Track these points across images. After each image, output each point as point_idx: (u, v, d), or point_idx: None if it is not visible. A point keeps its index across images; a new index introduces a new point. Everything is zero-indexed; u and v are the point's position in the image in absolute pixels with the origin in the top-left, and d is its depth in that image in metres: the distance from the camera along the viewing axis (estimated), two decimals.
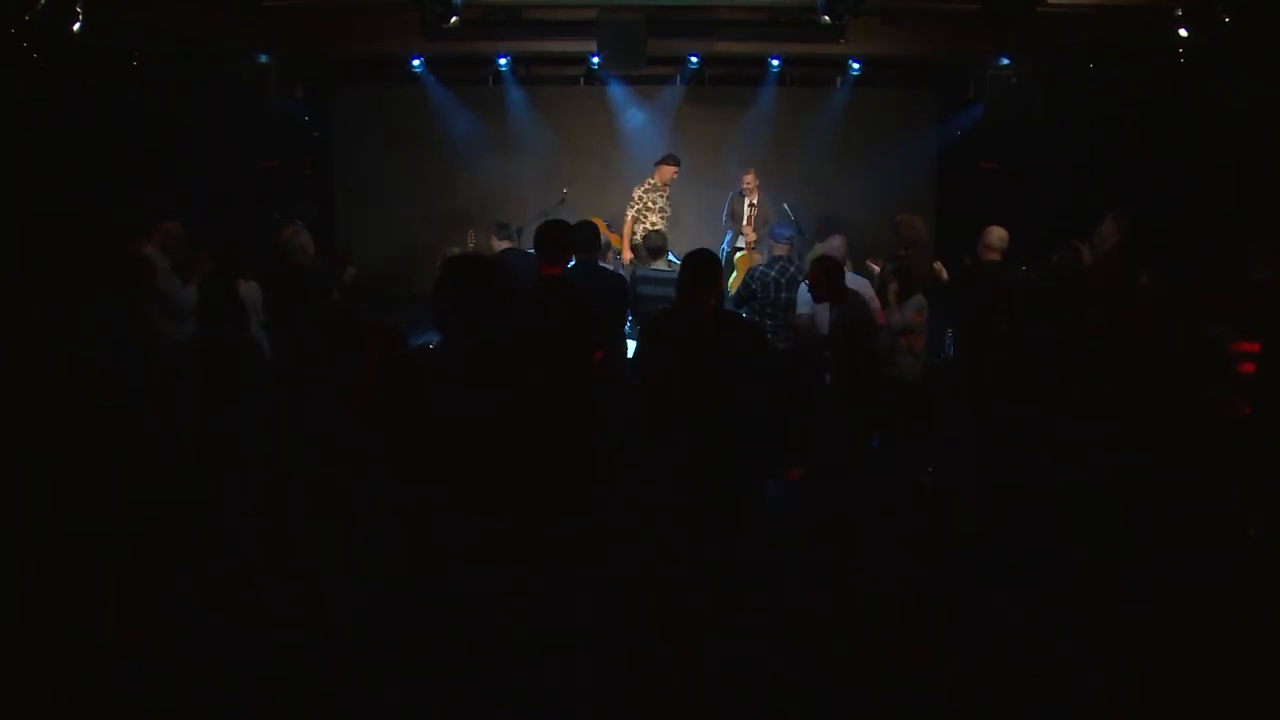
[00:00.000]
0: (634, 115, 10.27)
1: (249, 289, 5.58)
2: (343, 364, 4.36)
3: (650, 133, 10.20)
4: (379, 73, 10.21)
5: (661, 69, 9.80)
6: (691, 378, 3.80)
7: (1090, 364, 4.46)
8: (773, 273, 6.22)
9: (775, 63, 9.50)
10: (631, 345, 6.42)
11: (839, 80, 9.95)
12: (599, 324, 4.97)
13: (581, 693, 3.07)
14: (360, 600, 3.04)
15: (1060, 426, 4.26)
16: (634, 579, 3.53)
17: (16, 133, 6.14)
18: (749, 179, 8.63)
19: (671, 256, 6.41)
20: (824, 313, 5.51)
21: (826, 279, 5.30)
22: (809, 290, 5.56)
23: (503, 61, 9.43)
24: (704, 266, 4.02)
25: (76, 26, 5.66)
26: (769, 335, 6.07)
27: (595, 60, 9.05)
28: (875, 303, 6.01)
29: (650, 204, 8.42)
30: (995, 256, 6.36)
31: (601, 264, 6.28)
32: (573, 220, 5.67)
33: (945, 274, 6.62)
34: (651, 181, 8.46)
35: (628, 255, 8.07)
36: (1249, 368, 4.54)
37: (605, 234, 8.71)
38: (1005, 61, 8.59)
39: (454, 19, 7.20)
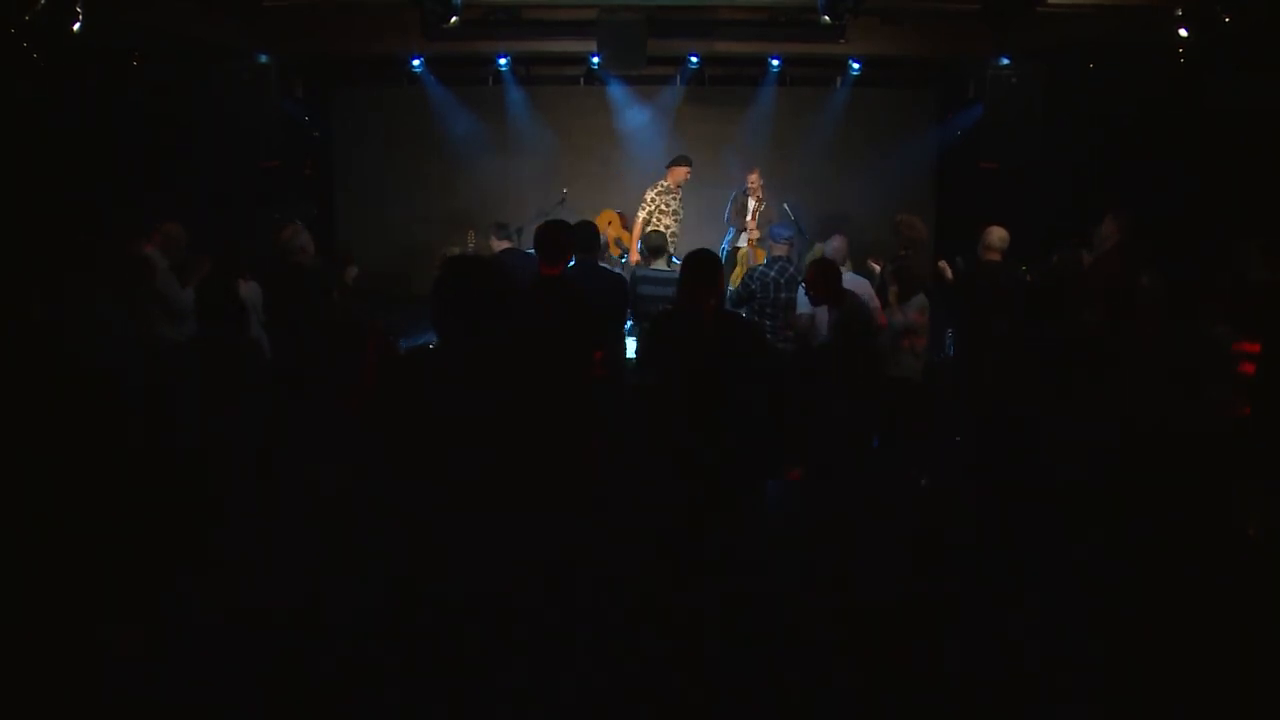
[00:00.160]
0: (634, 115, 10.27)
1: (249, 289, 5.58)
2: (343, 364, 4.36)
3: (650, 133, 10.20)
4: (379, 73, 10.21)
5: (661, 69, 9.79)
6: (691, 378, 3.80)
7: (1090, 364, 4.46)
8: (772, 273, 6.22)
9: (775, 63, 9.49)
10: (631, 345, 6.44)
11: (839, 80, 9.95)
12: (599, 324, 4.97)
13: (581, 693, 3.07)
14: (360, 600, 3.04)
15: (1060, 426, 4.26)
16: (634, 579, 3.53)
17: (16, 133, 6.14)
18: (754, 179, 8.63)
19: (674, 259, 6.41)
20: (824, 313, 5.52)
21: (824, 281, 5.30)
22: (806, 292, 5.56)
23: (503, 61, 9.42)
24: (704, 266, 4.02)
25: (76, 26, 5.66)
26: (769, 335, 6.06)
27: (595, 60, 9.04)
28: (875, 303, 6.01)
29: (664, 206, 8.40)
30: (995, 256, 6.36)
31: (601, 264, 6.29)
32: (573, 220, 5.68)
33: (950, 273, 6.62)
34: (664, 184, 8.43)
35: (635, 257, 8.05)
36: (1249, 368, 4.54)
37: (620, 230, 8.72)
38: (1005, 61, 8.59)
39: (454, 19, 7.20)
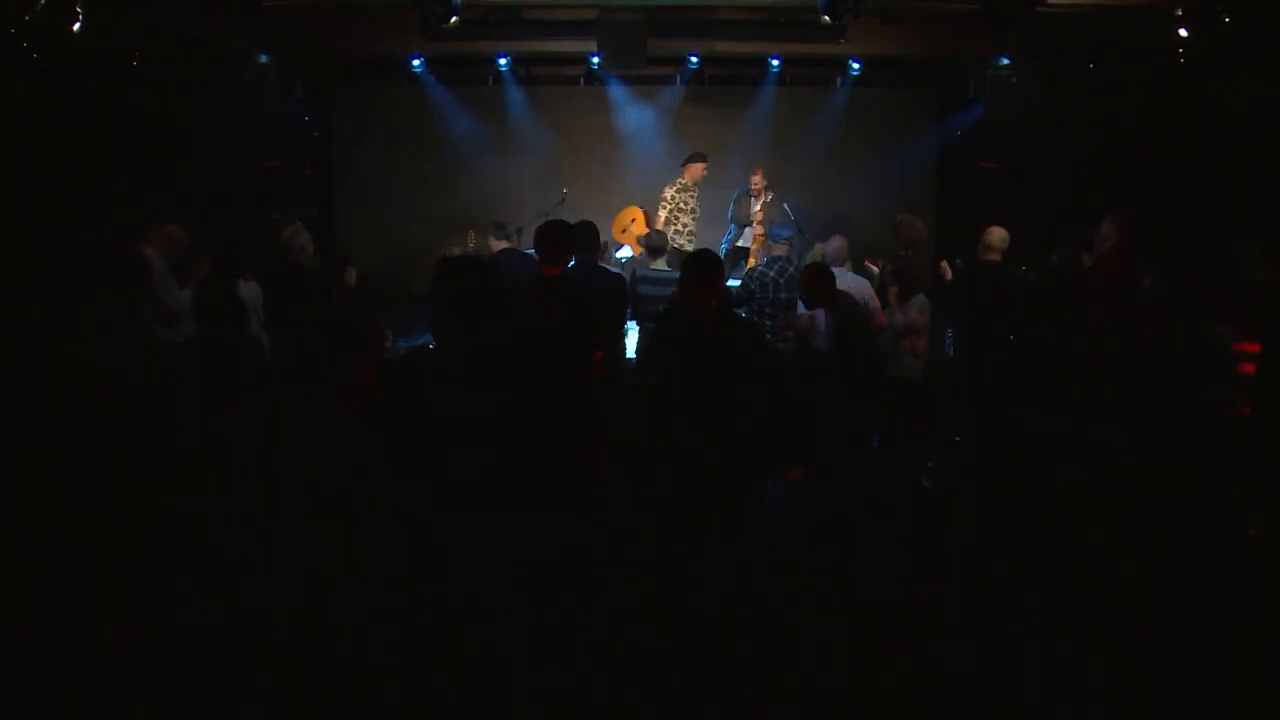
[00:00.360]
0: (634, 115, 10.26)
1: (249, 289, 5.58)
2: (343, 364, 4.37)
3: (650, 133, 10.20)
4: (379, 73, 10.21)
5: (661, 69, 9.79)
6: (691, 378, 3.80)
7: (1090, 364, 4.46)
8: (771, 273, 6.22)
9: (775, 63, 9.49)
10: (630, 345, 6.44)
11: (839, 80, 9.95)
12: (599, 324, 4.96)
13: (581, 692, 3.07)
14: (360, 600, 3.04)
15: (1060, 426, 4.26)
16: (634, 579, 3.53)
17: (16, 133, 6.14)
18: (757, 179, 8.63)
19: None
20: (823, 315, 5.52)
21: (817, 284, 5.31)
22: (801, 297, 5.56)
23: (503, 61, 9.43)
24: (705, 266, 4.02)
25: (76, 26, 5.66)
26: (769, 335, 6.06)
27: (595, 60, 9.05)
28: (875, 303, 6.01)
29: (682, 204, 8.40)
30: (995, 257, 6.36)
31: (600, 264, 6.29)
32: (573, 220, 5.67)
33: (950, 273, 6.62)
34: (682, 181, 8.43)
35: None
36: (1249, 368, 4.54)
37: (645, 227, 8.66)
38: (1005, 61, 8.59)
39: (454, 19, 7.20)
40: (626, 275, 6.38)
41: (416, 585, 2.74)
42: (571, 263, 5.03)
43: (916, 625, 3.56)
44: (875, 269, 6.98)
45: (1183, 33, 6.93)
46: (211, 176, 8.21)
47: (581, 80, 10.25)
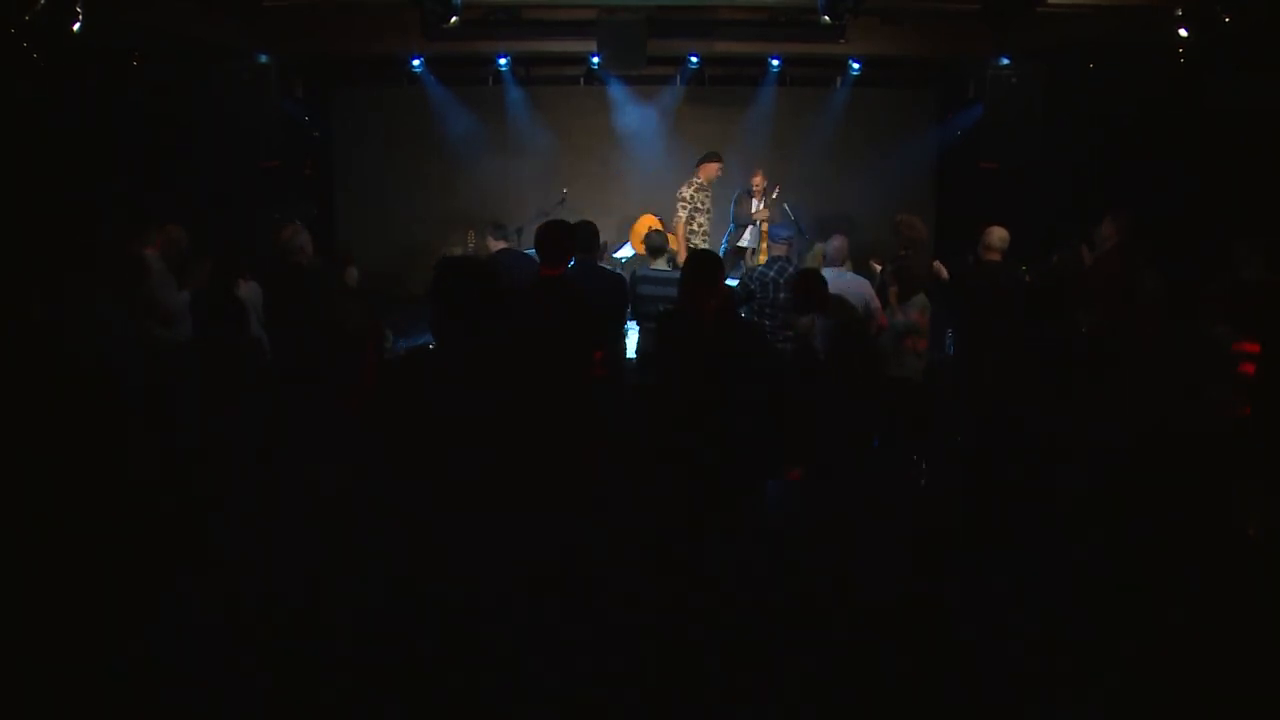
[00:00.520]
0: (634, 115, 10.26)
1: (249, 289, 5.58)
2: (343, 364, 4.36)
3: (650, 133, 10.20)
4: (379, 73, 10.22)
5: (661, 69, 9.80)
6: (692, 378, 3.80)
7: (1090, 364, 4.46)
8: (771, 273, 6.22)
9: (775, 63, 9.50)
10: (630, 345, 6.44)
11: (839, 80, 9.95)
12: (599, 324, 4.96)
13: (580, 692, 3.07)
14: (360, 600, 3.04)
15: (1060, 426, 4.26)
16: (634, 579, 3.53)
17: (16, 133, 6.14)
18: (758, 181, 8.64)
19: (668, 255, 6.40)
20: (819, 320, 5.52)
21: (808, 290, 5.32)
22: (794, 305, 5.56)
23: (503, 61, 9.43)
24: (705, 267, 4.02)
25: (76, 26, 5.66)
26: (768, 335, 6.06)
27: (595, 60, 9.05)
28: (875, 303, 6.01)
29: (699, 204, 8.38)
30: (995, 256, 6.35)
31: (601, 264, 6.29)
32: (573, 220, 5.67)
33: (945, 273, 6.62)
34: (698, 181, 8.41)
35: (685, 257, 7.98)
36: (1249, 368, 4.54)
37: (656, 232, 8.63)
38: (1005, 61, 8.60)
39: (454, 19, 7.20)
40: (626, 275, 6.38)
41: (416, 585, 2.74)
42: (571, 263, 5.03)
43: (916, 625, 3.56)
44: (877, 268, 6.98)
45: (1183, 33, 6.93)
46: (211, 176, 8.21)
47: (581, 80, 10.26)
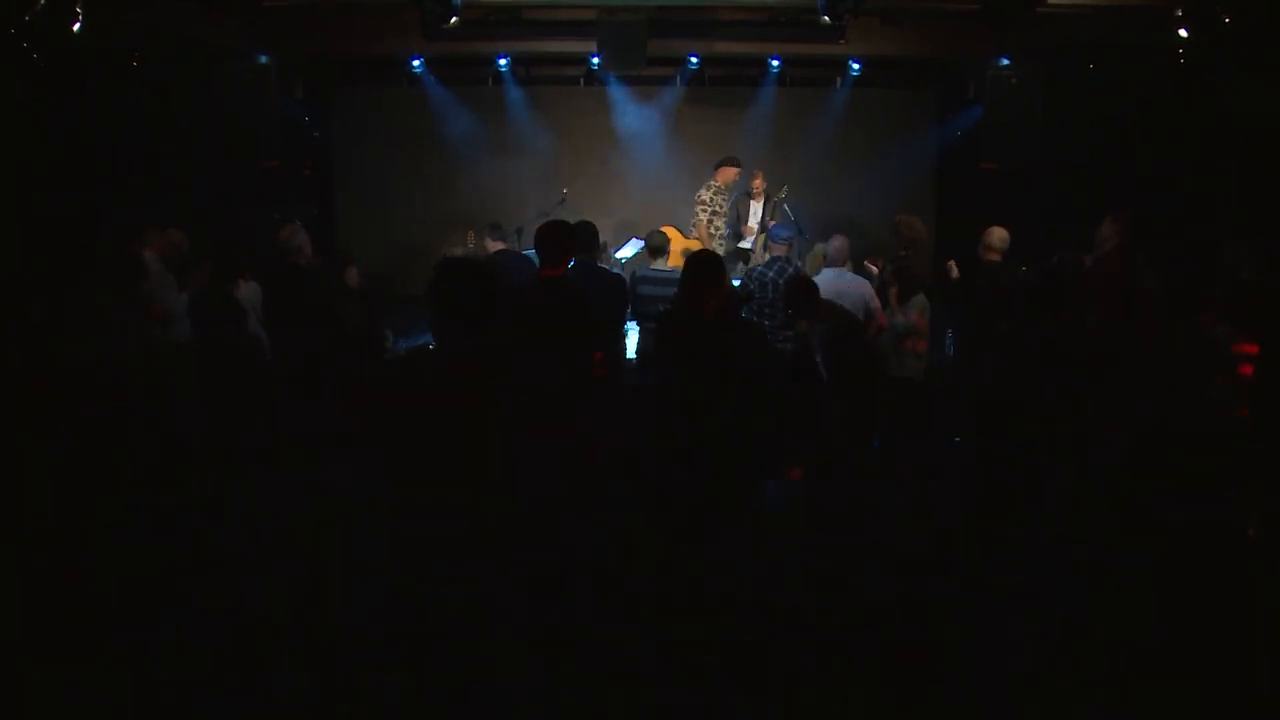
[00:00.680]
0: (634, 116, 10.26)
1: (249, 289, 5.58)
2: (343, 364, 4.36)
3: (650, 133, 10.20)
4: (379, 73, 10.21)
5: (661, 69, 9.79)
6: (692, 378, 3.80)
7: (1090, 364, 4.46)
8: (771, 273, 6.22)
9: (775, 63, 9.50)
10: (630, 345, 6.44)
11: (839, 80, 9.95)
12: (599, 324, 4.96)
13: (580, 692, 3.07)
14: (360, 600, 3.04)
15: (1060, 426, 4.26)
16: (634, 579, 3.53)
17: (16, 133, 6.14)
18: (757, 183, 8.63)
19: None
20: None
21: (799, 299, 5.33)
22: (787, 312, 5.56)
23: (503, 62, 9.43)
24: (706, 267, 4.02)
25: (76, 26, 5.66)
26: (768, 335, 6.06)
27: (595, 60, 9.04)
28: (875, 303, 6.01)
29: (717, 207, 8.35)
30: (995, 257, 6.35)
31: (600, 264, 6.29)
32: (572, 220, 5.67)
33: (956, 271, 6.60)
34: (715, 184, 8.37)
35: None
36: (1247, 370, 4.54)
37: (685, 240, 8.57)
38: (1005, 62, 8.60)
39: (454, 19, 7.20)
40: (626, 276, 6.38)
41: (415, 586, 2.74)
42: (571, 263, 5.03)
43: (916, 626, 3.56)
44: (876, 269, 6.98)
45: (1183, 33, 6.93)
46: (211, 176, 8.21)
47: (581, 80, 10.25)
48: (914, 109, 10.60)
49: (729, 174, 8.39)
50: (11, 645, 3.14)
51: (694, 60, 9.47)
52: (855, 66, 9.42)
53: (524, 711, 2.87)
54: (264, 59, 8.44)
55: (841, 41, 8.23)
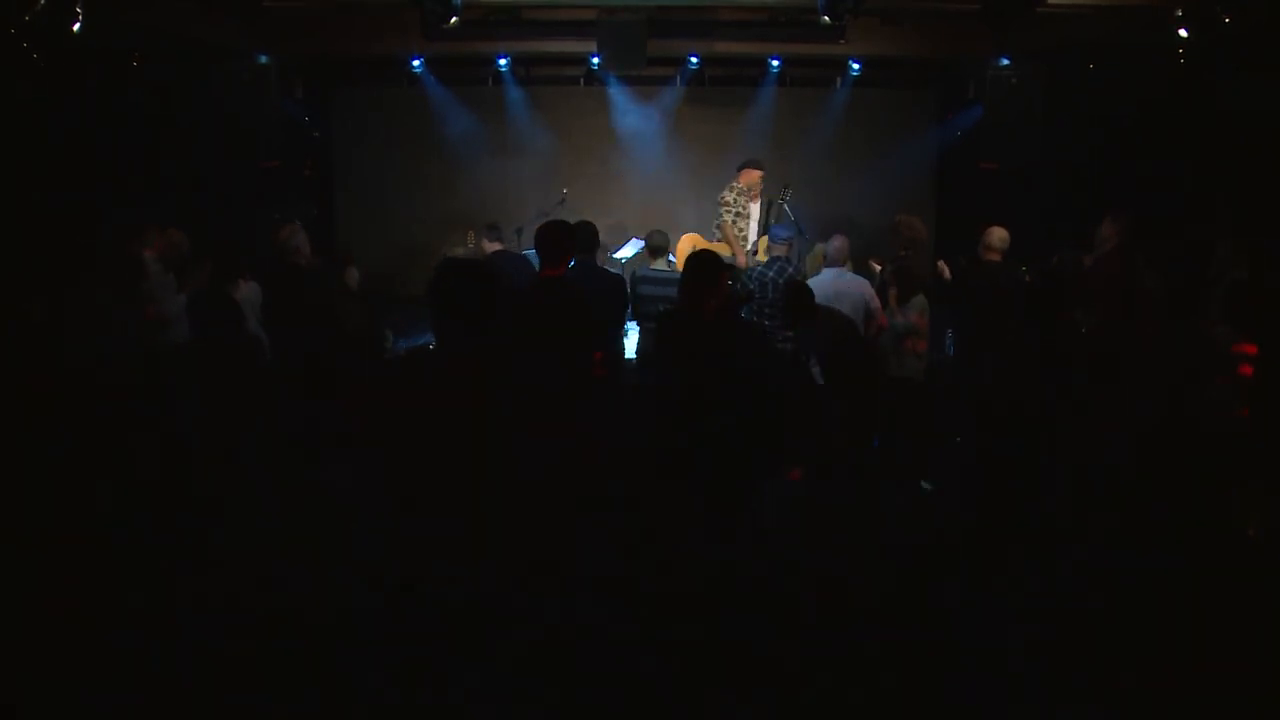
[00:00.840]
0: (634, 116, 10.26)
1: (249, 289, 5.58)
2: (343, 364, 4.36)
3: (650, 133, 10.20)
4: (379, 73, 10.21)
5: (661, 69, 9.79)
6: (692, 378, 3.81)
7: (1090, 364, 4.46)
8: (770, 273, 6.22)
9: (775, 63, 9.50)
10: (630, 345, 6.44)
11: (839, 81, 9.95)
12: (599, 324, 4.97)
13: (580, 692, 3.07)
14: (360, 600, 3.04)
15: (1060, 426, 4.26)
16: (634, 579, 3.53)
17: (16, 133, 6.14)
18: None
19: (672, 257, 6.41)
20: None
21: (794, 305, 5.33)
22: (783, 318, 5.57)
23: (503, 62, 9.43)
24: (706, 267, 4.02)
25: (76, 26, 5.66)
26: (768, 335, 6.06)
27: (595, 60, 9.05)
28: (875, 303, 6.01)
29: (741, 209, 8.31)
30: (995, 257, 6.36)
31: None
32: (572, 220, 5.68)
33: (948, 273, 6.61)
34: (738, 186, 8.28)
35: (743, 258, 7.81)
36: (1247, 370, 4.54)
37: (711, 246, 8.53)
38: (1005, 62, 8.60)
39: (454, 19, 7.20)
40: (626, 276, 6.38)
41: (416, 586, 2.74)
42: (572, 263, 5.03)
43: (916, 626, 3.56)
44: (877, 269, 6.98)
45: (1183, 33, 6.93)
46: (211, 176, 8.21)
47: (581, 80, 10.25)
48: (914, 109, 10.60)
49: (752, 176, 8.32)
50: (11, 645, 3.14)
51: (694, 60, 9.47)
52: (855, 66, 9.42)
53: (524, 712, 2.87)
54: (264, 59, 8.44)
55: (841, 41, 8.23)
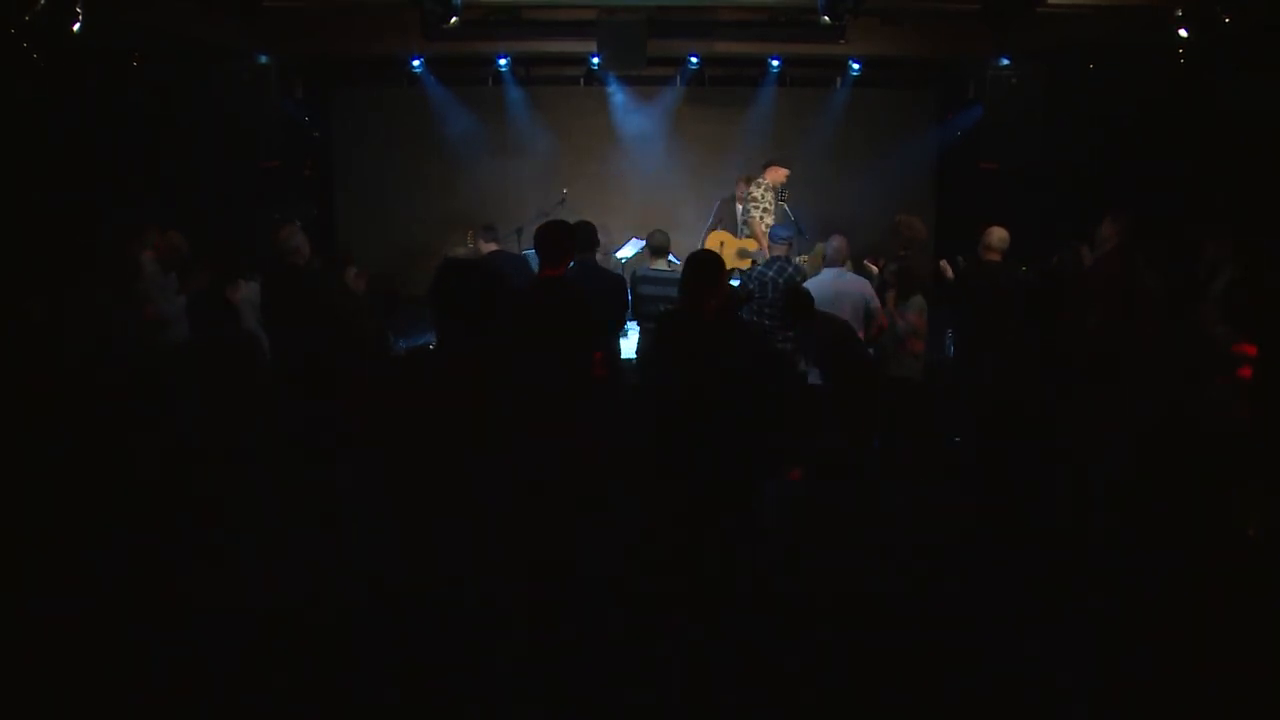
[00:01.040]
0: (634, 116, 10.27)
1: (249, 289, 5.58)
2: (343, 363, 4.36)
3: (650, 133, 10.20)
4: (379, 73, 10.22)
5: (661, 69, 9.80)
6: (692, 378, 3.80)
7: (1090, 364, 4.46)
8: (770, 273, 6.22)
9: (775, 63, 9.51)
10: (630, 345, 6.44)
11: (839, 81, 9.96)
12: (599, 324, 4.96)
13: (580, 692, 3.07)
14: (359, 600, 3.04)
15: (1060, 427, 4.26)
16: (634, 579, 3.53)
17: (16, 133, 6.14)
18: (750, 184, 8.63)
19: (673, 257, 6.40)
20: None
21: (793, 308, 5.32)
22: (782, 322, 5.57)
23: (503, 62, 9.43)
24: (706, 267, 4.02)
25: (76, 26, 5.66)
26: (768, 335, 6.06)
27: (595, 60, 9.05)
28: (875, 303, 6.01)
29: (767, 205, 8.34)
30: (995, 257, 6.35)
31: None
32: (573, 220, 5.67)
33: (950, 272, 6.61)
34: (765, 183, 8.32)
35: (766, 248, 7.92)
36: (1246, 371, 4.54)
37: (738, 241, 8.51)
38: (1005, 62, 8.60)
39: (454, 19, 7.20)
40: (626, 276, 6.38)
41: (416, 586, 2.74)
42: (572, 263, 5.03)
43: (916, 626, 3.56)
44: (876, 269, 6.98)
45: (1183, 33, 6.93)
46: (211, 177, 8.21)
47: (581, 80, 10.26)
48: (914, 109, 10.61)
49: (778, 174, 8.38)
50: (11, 645, 3.14)
51: (694, 60, 9.48)
52: (855, 66, 9.43)
53: (525, 712, 2.87)
54: (264, 59, 8.45)
55: (841, 41, 8.23)
